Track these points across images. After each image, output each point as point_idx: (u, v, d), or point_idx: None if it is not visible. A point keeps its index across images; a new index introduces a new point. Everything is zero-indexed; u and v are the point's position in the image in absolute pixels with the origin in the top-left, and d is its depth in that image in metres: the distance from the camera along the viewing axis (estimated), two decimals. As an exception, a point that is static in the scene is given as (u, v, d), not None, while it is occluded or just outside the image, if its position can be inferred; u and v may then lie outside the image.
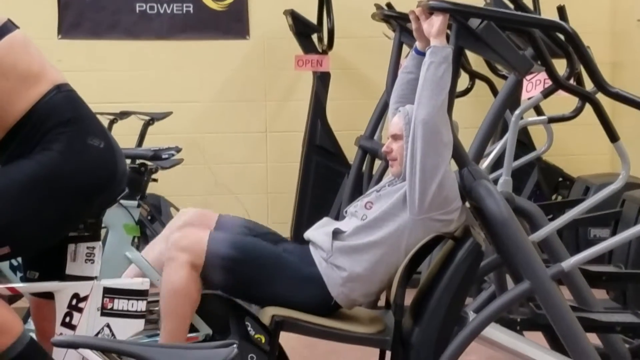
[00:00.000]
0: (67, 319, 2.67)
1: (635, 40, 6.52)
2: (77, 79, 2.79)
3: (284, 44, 6.40)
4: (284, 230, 6.12)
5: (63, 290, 2.68)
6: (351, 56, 6.61)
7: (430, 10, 2.95)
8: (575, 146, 6.67)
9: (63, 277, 2.70)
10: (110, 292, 2.70)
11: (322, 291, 3.04)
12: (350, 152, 5.80)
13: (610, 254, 4.61)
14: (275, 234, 3.30)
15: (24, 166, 2.57)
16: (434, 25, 2.93)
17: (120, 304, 2.70)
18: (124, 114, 5.84)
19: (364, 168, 5.38)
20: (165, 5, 6.46)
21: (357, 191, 5.17)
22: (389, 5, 5.50)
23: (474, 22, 2.90)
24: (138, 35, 6.47)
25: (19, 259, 3.28)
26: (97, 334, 2.66)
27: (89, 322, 2.66)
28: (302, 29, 6.24)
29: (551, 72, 3.22)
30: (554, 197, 6.51)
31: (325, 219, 3.28)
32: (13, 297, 3.74)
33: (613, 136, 3.33)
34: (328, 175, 6.21)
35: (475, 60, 5.77)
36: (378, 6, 5.25)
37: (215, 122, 6.56)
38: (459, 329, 2.95)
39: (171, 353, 1.86)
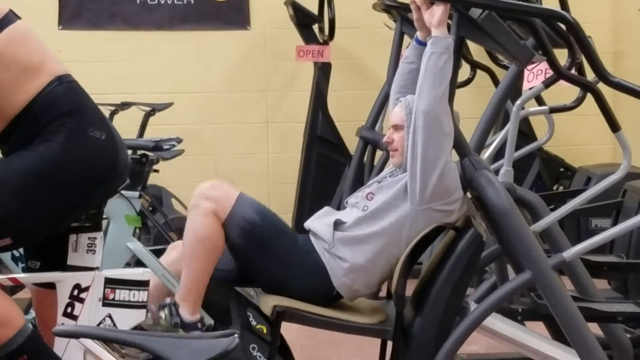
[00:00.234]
0: (69, 309, 2.67)
1: (636, 29, 6.51)
2: (78, 69, 2.79)
3: (284, 35, 6.40)
4: (286, 220, 6.10)
5: (65, 281, 2.68)
6: (352, 46, 6.60)
7: (431, 0, 2.94)
8: (577, 136, 6.66)
9: (64, 267, 2.70)
10: (112, 283, 2.70)
11: (324, 281, 3.05)
12: (352, 143, 5.80)
13: (612, 244, 4.61)
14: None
15: (25, 157, 2.57)
16: (435, 15, 2.92)
17: (122, 295, 2.70)
18: (125, 105, 5.83)
19: (365, 159, 5.38)
20: (165, -5, 6.46)
21: (358, 182, 5.18)
22: (390, -5, 5.48)
23: (475, 12, 2.89)
24: (139, 25, 6.47)
25: (21, 250, 3.29)
26: (98, 324, 2.66)
27: (90, 313, 2.66)
28: (303, 19, 6.23)
29: (552, 62, 3.21)
30: (555, 187, 6.51)
31: (325, 209, 3.28)
32: (15, 287, 3.76)
33: (614, 126, 3.33)
34: (329, 166, 6.22)
35: (477, 51, 5.77)
36: (379, -4, 5.24)
37: (216, 113, 6.55)
38: (460, 319, 2.95)
39: (172, 342, 1.87)
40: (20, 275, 2.81)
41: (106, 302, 2.69)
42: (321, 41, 6.25)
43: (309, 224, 3.19)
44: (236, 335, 1.88)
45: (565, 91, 4.02)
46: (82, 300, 2.68)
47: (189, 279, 2.99)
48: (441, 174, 2.95)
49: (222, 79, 6.57)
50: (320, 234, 3.09)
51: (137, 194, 4.35)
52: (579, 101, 4.07)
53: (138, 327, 2.76)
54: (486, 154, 4.16)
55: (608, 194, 3.99)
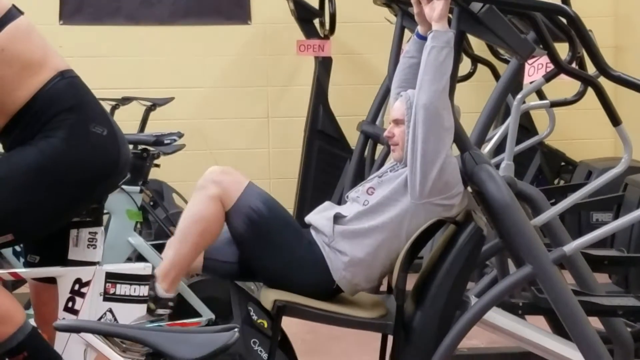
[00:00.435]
0: (70, 304, 2.68)
1: (638, 24, 6.50)
2: (79, 64, 2.79)
3: (285, 29, 6.39)
4: (287, 215, 6.12)
5: (66, 275, 2.68)
6: (353, 41, 6.59)
7: (432, -5, 2.94)
8: (578, 130, 6.66)
9: (64, 261, 2.70)
10: (113, 277, 2.70)
11: (324, 275, 3.05)
12: (352, 137, 5.80)
13: (613, 238, 4.61)
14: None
15: (26, 154, 2.57)
16: (436, 9, 2.92)
17: (123, 289, 2.70)
18: (126, 100, 5.83)
19: (365, 153, 5.37)
20: (167, -10, 6.46)
21: (359, 176, 5.18)
22: (390, -11, 5.48)
23: (476, 6, 2.89)
24: (140, 20, 6.46)
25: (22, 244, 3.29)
26: (99, 319, 2.67)
27: (91, 307, 2.66)
28: (303, 13, 6.22)
29: (553, 56, 3.21)
30: (556, 181, 6.51)
31: (326, 203, 3.28)
32: (16, 282, 3.76)
33: (615, 120, 3.33)
34: (330, 161, 6.22)
35: (477, 45, 5.76)
36: (380, -10, 5.24)
37: (217, 108, 6.55)
38: (461, 313, 2.95)
39: (173, 337, 1.87)
40: (22, 270, 2.82)
41: (107, 297, 2.69)
42: (322, 35, 6.25)
43: (309, 218, 3.19)
44: (236, 329, 1.88)
45: (566, 85, 4.02)
46: (83, 295, 2.68)
47: (174, 258, 2.98)
48: (441, 168, 2.95)
49: (223, 73, 6.57)
50: (320, 227, 3.09)
51: (138, 188, 4.35)
52: (579, 95, 4.07)
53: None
54: (487, 148, 4.16)
55: (609, 188, 3.99)
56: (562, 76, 3.47)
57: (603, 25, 6.37)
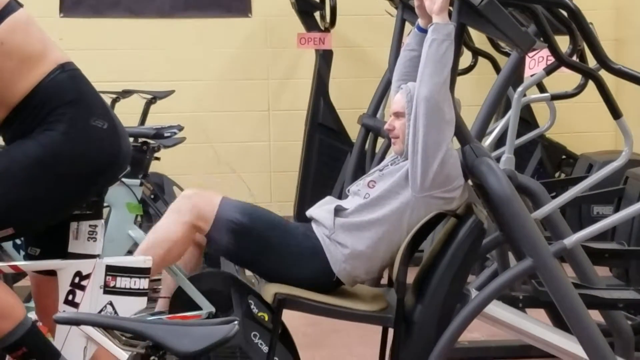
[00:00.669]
0: (70, 297, 2.67)
1: (638, 16, 6.49)
2: (79, 57, 2.78)
3: (286, 22, 6.38)
4: (287, 208, 6.12)
5: (66, 268, 2.68)
6: (354, 34, 6.59)
7: (433, -13, 2.93)
8: (579, 123, 6.65)
9: (65, 254, 2.70)
10: (113, 270, 2.70)
11: (323, 267, 3.05)
12: (353, 130, 5.80)
13: (613, 231, 4.61)
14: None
15: (26, 148, 2.57)
16: (436, 2, 2.91)
17: (123, 282, 2.70)
18: (126, 93, 5.83)
19: (366, 146, 5.37)
20: (167, -17, 6.45)
21: (360, 169, 5.18)
22: (391, -18, 5.47)
23: (476, -1, 2.88)
24: (140, 13, 6.46)
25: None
26: (99, 312, 2.67)
27: (91, 300, 2.66)
28: (304, 6, 6.22)
29: (554, 49, 3.20)
30: (557, 174, 6.51)
31: (328, 198, 3.28)
32: (17, 275, 3.76)
33: (616, 113, 3.33)
34: (331, 154, 6.22)
35: (478, 38, 5.76)
36: (380, -17, 5.23)
37: (217, 101, 6.55)
38: (462, 306, 2.95)
39: (173, 330, 1.87)
40: (22, 263, 2.81)
41: (107, 290, 2.69)
42: (322, 29, 6.24)
43: (311, 211, 3.19)
44: (236, 322, 1.88)
45: (566, 78, 4.02)
46: (83, 288, 2.67)
47: None
48: (442, 162, 2.94)
49: (224, 66, 6.56)
50: (321, 220, 3.09)
51: (138, 181, 4.36)
52: (580, 88, 4.07)
53: None
54: (488, 141, 4.16)
55: (610, 181, 3.99)
56: (563, 69, 3.47)
57: (604, 18, 6.36)
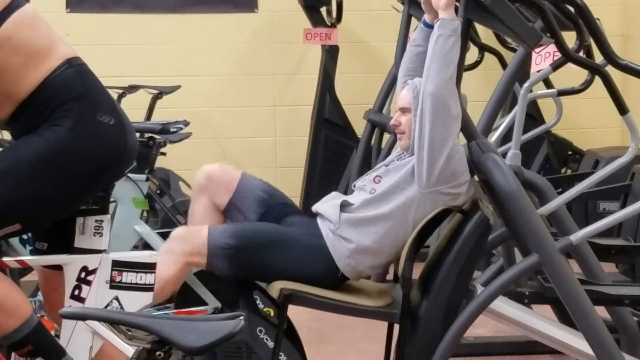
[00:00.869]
0: (76, 292, 2.68)
1: (646, 12, 6.48)
2: (85, 52, 2.78)
3: (292, 17, 6.38)
4: (294, 204, 6.12)
5: (72, 263, 2.69)
6: (360, 29, 6.58)
7: (439, -18, 2.93)
8: (585, 119, 6.64)
9: (71, 249, 2.71)
10: (119, 265, 2.70)
11: (328, 263, 3.05)
12: (359, 126, 5.79)
13: (620, 227, 4.61)
14: (288, 205, 3.31)
15: (33, 143, 2.57)
16: (443, -3, 2.91)
17: (129, 277, 2.70)
18: (132, 88, 5.84)
19: (372, 141, 5.37)
20: (173, -22, 6.45)
21: (366, 165, 5.17)
22: (397, -23, 5.46)
23: (483, -6, 2.88)
24: (146, 8, 6.46)
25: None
26: (105, 307, 2.67)
27: (97, 295, 2.66)
28: (310, 2, 6.22)
29: (560, 45, 3.20)
30: (563, 170, 6.51)
31: (333, 193, 3.28)
32: (23, 270, 3.77)
33: (622, 109, 3.32)
34: (337, 149, 6.22)
35: (484, 33, 5.74)
36: (387, -21, 5.22)
37: (223, 96, 6.55)
38: (467, 302, 2.95)
39: (179, 325, 1.87)
40: (28, 258, 2.82)
41: (113, 285, 2.69)
42: (329, 24, 6.23)
43: (316, 207, 3.19)
44: (242, 317, 1.88)
45: (573, 74, 4.01)
46: (89, 283, 2.68)
47: None
48: (448, 157, 2.94)
49: (230, 62, 6.56)
50: (327, 215, 3.10)
51: (144, 177, 4.36)
52: (587, 84, 4.05)
53: None
54: (494, 137, 4.15)
55: (616, 177, 3.98)
56: (570, 65, 3.46)
57: (611, 14, 6.35)
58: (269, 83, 6.59)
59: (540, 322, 3.19)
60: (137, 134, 4.39)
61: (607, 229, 3.30)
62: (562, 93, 4.19)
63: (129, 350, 2.39)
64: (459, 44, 2.91)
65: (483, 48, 5.84)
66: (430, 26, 3.06)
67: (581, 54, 3.47)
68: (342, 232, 3.05)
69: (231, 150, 6.50)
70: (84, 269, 2.68)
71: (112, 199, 3.29)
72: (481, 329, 4.30)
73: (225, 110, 6.55)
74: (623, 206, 4.75)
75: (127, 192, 4.26)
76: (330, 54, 6.23)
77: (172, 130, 4.48)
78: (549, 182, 3.63)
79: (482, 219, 2.94)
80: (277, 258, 3.04)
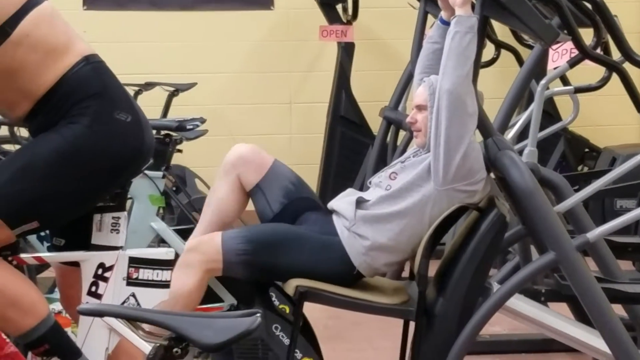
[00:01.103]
0: (93, 288, 2.69)
1: (663, 9, 6.44)
2: (102, 50, 2.79)
3: (308, 15, 6.38)
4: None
5: (89, 260, 2.69)
6: (376, 26, 6.57)
7: (455, -21, 2.92)
8: (602, 116, 6.61)
9: (89, 246, 2.72)
10: (136, 262, 2.71)
11: (343, 260, 3.05)
12: (375, 123, 5.79)
13: (637, 225, 4.58)
14: (310, 200, 3.29)
15: (50, 141, 2.57)
16: (459, -6, 2.90)
17: (146, 274, 2.71)
18: (148, 85, 5.85)
19: (388, 139, 5.36)
20: (189, -25, 6.46)
21: (382, 162, 5.17)
22: (414, -26, 5.45)
23: (500, -9, 2.87)
24: (162, 6, 6.47)
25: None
26: (122, 303, 2.68)
27: (114, 292, 2.67)
28: (326, -1, 6.21)
29: (578, 42, 3.19)
30: (580, 167, 6.48)
31: (349, 190, 3.28)
32: (40, 266, 3.79)
33: (640, 106, 3.31)
34: (352, 147, 6.21)
35: (501, 30, 5.73)
36: (403, -24, 5.22)
37: (239, 93, 6.56)
38: (483, 299, 2.95)
39: (196, 322, 1.88)
40: (46, 254, 2.83)
41: (130, 282, 2.70)
42: (345, 21, 6.23)
43: (332, 204, 3.19)
44: (258, 314, 1.88)
45: (590, 71, 3.99)
46: (106, 280, 2.69)
47: None
48: (465, 154, 2.94)
49: (246, 59, 6.57)
50: (342, 211, 3.09)
51: (160, 174, 4.37)
52: (604, 81, 4.04)
53: None
54: (510, 134, 4.14)
55: (633, 174, 3.96)
56: (587, 62, 3.45)
57: (628, 10, 6.32)
58: (285, 80, 6.60)
59: (557, 320, 3.18)
60: (154, 131, 4.40)
61: (625, 227, 3.28)
62: (579, 90, 4.18)
63: (146, 347, 2.40)
64: (475, 41, 2.91)
65: (500, 45, 5.82)
66: (447, 23, 3.05)
67: (598, 50, 3.45)
68: (358, 229, 3.05)
69: (247, 147, 6.49)
70: (101, 265, 2.69)
71: (128, 196, 3.29)
72: (497, 326, 4.29)
73: (241, 108, 6.56)
74: (640, 204, 4.73)
75: (144, 189, 4.27)
76: (346, 51, 6.23)
77: (188, 127, 4.49)
78: (565, 180, 3.62)
79: (499, 217, 2.93)
80: (292, 258, 3.04)
